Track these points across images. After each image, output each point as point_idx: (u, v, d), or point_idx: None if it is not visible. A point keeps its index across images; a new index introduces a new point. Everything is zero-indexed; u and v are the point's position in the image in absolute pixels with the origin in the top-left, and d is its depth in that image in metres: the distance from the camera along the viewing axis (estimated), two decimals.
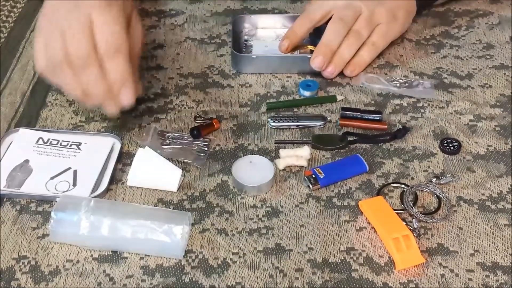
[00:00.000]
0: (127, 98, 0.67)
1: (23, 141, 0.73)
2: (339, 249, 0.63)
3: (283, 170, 0.71)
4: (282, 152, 0.72)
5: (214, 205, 0.68)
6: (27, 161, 0.71)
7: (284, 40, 0.84)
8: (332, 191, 0.69)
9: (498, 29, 0.93)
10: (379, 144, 0.74)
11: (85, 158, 0.71)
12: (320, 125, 0.77)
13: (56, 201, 0.64)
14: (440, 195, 0.68)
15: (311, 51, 0.84)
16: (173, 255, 0.62)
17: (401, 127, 0.76)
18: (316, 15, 0.83)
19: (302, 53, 0.85)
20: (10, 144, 0.73)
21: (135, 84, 0.68)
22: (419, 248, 0.61)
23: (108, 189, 0.69)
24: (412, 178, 0.70)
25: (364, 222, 0.66)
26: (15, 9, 0.98)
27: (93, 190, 0.68)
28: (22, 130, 0.74)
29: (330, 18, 0.82)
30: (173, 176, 0.69)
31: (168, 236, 0.61)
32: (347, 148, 0.74)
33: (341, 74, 0.84)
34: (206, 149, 0.73)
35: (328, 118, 0.78)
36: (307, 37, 0.87)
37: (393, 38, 0.86)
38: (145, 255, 0.62)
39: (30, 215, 0.66)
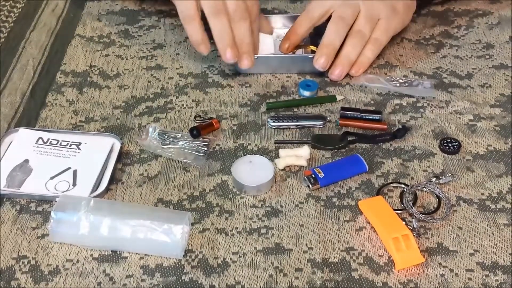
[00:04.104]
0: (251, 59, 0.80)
1: (23, 141, 0.73)
2: (338, 248, 0.63)
3: (282, 170, 0.71)
4: (282, 152, 0.72)
5: (214, 205, 0.68)
6: (27, 161, 0.71)
7: (285, 40, 0.84)
8: (332, 191, 0.69)
9: (497, 29, 0.93)
10: (379, 144, 0.74)
11: (85, 158, 0.71)
12: (319, 125, 0.77)
13: (55, 201, 0.64)
14: (440, 195, 0.68)
15: (313, 51, 0.84)
16: (172, 254, 0.62)
17: (400, 127, 0.76)
18: (315, 14, 0.83)
19: (304, 53, 0.85)
20: (10, 144, 0.73)
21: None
22: (418, 247, 0.62)
23: (108, 189, 0.69)
24: (412, 178, 0.70)
25: (363, 221, 0.66)
26: (15, 9, 0.98)
27: (93, 190, 0.68)
28: (22, 130, 0.74)
29: (329, 17, 0.82)
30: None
31: (167, 236, 0.61)
32: (346, 148, 0.74)
33: None
34: (205, 149, 0.73)
35: (328, 118, 0.78)
36: (308, 37, 0.87)
37: (394, 33, 0.86)
38: (145, 254, 0.62)
39: (30, 215, 0.66)
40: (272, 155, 0.73)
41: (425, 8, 0.96)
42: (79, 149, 0.72)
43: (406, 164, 0.72)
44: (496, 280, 0.60)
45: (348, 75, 0.84)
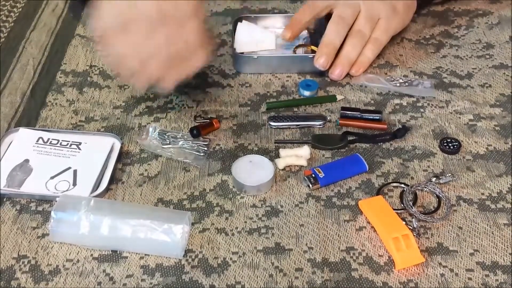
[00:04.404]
0: (201, 59, 0.61)
1: (23, 140, 0.73)
2: (339, 248, 0.63)
3: (283, 169, 0.71)
4: (282, 151, 0.72)
5: (214, 204, 0.68)
6: (27, 160, 0.71)
7: (287, 28, 0.84)
8: (332, 190, 0.69)
9: (497, 29, 0.93)
10: (379, 144, 0.74)
11: (85, 157, 0.71)
12: (320, 125, 0.77)
13: (56, 201, 0.64)
14: (440, 195, 0.68)
15: (313, 51, 0.84)
16: (173, 254, 0.62)
17: (400, 127, 0.76)
18: (318, 5, 0.83)
19: (304, 53, 0.86)
20: (10, 144, 0.73)
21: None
22: (418, 247, 0.62)
23: (108, 189, 0.69)
24: (412, 178, 0.70)
25: (364, 221, 0.66)
26: (15, 9, 0.98)
27: (93, 190, 0.68)
28: (22, 130, 0.75)
29: (329, 15, 0.83)
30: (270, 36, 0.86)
31: (168, 236, 0.61)
32: (347, 148, 0.74)
33: None
34: (206, 148, 0.73)
35: (328, 118, 0.78)
36: (308, 36, 0.87)
37: (394, 33, 0.86)
38: (145, 254, 0.62)
39: (30, 215, 0.66)
40: (272, 155, 0.73)
41: (425, 8, 0.96)
42: (79, 149, 0.72)
43: (406, 164, 0.72)
44: (496, 280, 0.60)
45: (348, 74, 0.84)
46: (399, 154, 0.73)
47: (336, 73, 0.82)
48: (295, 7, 0.98)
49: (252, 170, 0.69)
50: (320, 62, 0.81)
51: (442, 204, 0.67)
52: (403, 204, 0.67)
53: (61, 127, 0.77)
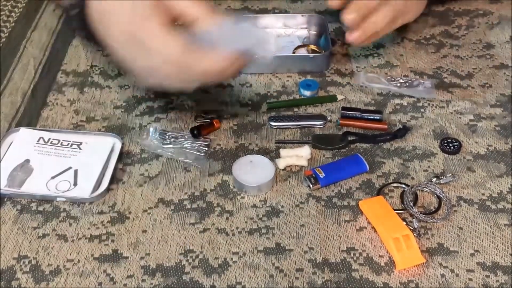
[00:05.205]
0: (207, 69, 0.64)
1: (24, 140, 0.73)
2: (339, 249, 0.63)
3: (283, 169, 0.71)
4: (283, 151, 0.72)
5: (215, 204, 0.68)
6: (27, 160, 0.71)
7: None
8: (333, 191, 0.69)
9: (498, 29, 0.93)
10: (379, 144, 0.74)
11: (85, 157, 0.71)
12: (320, 125, 0.77)
13: (56, 201, 0.63)
14: (441, 195, 0.68)
15: (313, 51, 0.84)
16: None
17: (401, 127, 0.76)
18: None
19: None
20: (10, 144, 0.73)
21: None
22: (419, 248, 0.62)
23: (108, 189, 0.69)
24: (412, 178, 0.70)
25: (364, 222, 0.66)
26: (15, 9, 0.98)
27: (94, 190, 0.68)
28: (23, 130, 0.75)
29: (338, 10, 0.80)
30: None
31: None
32: (347, 148, 0.74)
33: (341, 74, 0.84)
34: (206, 148, 0.73)
35: (329, 118, 0.78)
36: (308, 36, 0.87)
37: (401, 24, 0.82)
38: (146, 254, 0.62)
39: (30, 215, 0.66)
40: (273, 155, 0.73)
41: (433, 6, 0.95)
42: (80, 148, 0.72)
43: (407, 164, 0.72)
44: (497, 281, 0.60)
45: (347, 42, 0.79)
46: (400, 154, 0.73)
47: (355, 35, 0.77)
48: (295, 7, 0.98)
49: (253, 170, 0.69)
50: (349, 18, 0.75)
51: (442, 205, 0.67)
52: (404, 205, 0.67)
53: (62, 127, 0.77)
